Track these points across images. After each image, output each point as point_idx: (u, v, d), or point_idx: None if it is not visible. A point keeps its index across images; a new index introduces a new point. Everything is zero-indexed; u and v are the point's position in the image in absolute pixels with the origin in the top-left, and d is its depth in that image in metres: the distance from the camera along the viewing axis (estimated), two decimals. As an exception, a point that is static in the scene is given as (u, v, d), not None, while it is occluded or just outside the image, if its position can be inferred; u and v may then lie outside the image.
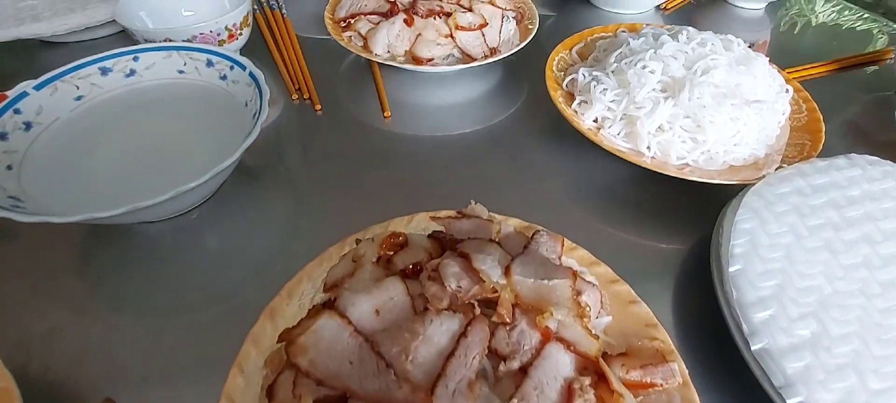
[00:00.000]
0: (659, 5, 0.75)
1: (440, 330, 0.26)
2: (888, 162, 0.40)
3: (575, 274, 0.29)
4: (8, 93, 0.48)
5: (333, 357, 0.25)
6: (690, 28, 0.50)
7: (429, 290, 0.28)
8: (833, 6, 0.82)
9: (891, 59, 0.67)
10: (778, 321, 0.30)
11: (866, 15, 0.80)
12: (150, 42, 0.50)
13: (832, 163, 0.40)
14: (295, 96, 0.55)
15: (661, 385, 0.28)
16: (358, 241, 0.34)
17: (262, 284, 0.37)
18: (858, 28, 0.77)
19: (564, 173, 0.48)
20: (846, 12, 0.81)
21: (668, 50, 0.46)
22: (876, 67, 0.67)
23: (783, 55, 0.69)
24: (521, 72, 0.61)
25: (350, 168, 0.48)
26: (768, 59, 0.50)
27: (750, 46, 0.50)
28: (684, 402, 0.28)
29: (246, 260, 0.40)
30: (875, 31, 0.77)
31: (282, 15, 0.67)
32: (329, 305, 0.28)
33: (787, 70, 0.61)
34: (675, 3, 0.76)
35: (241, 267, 0.39)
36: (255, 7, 0.69)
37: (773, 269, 0.33)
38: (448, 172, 0.48)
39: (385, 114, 0.53)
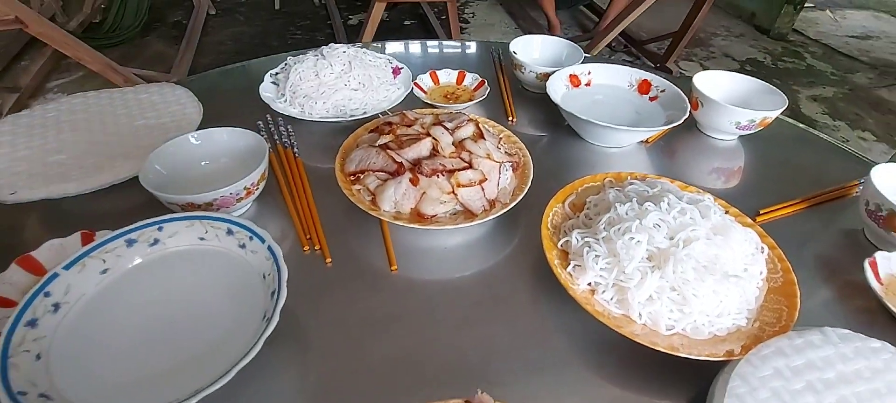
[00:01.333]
0: (640, 141, 0.81)
1: None
2: (858, 336, 0.44)
3: None
4: (35, 254, 0.51)
5: None
6: (671, 193, 0.55)
7: None
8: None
9: (856, 192, 0.73)
10: None
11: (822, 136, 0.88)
12: (173, 203, 0.54)
13: (808, 340, 0.43)
14: (306, 247, 0.59)
15: None
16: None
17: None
18: (811, 137, 0.85)
19: (563, 330, 0.52)
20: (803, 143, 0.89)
21: (652, 219, 0.50)
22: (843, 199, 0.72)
23: (756, 184, 0.75)
24: (517, 215, 0.64)
25: (358, 330, 0.50)
26: (746, 218, 0.55)
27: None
28: None
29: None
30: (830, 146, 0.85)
31: (294, 154, 0.72)
32: None
33: (761, 211, 0.67)
34: (654, 137, 0.83)
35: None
36: (269, 146, 0.74)
37: (761, 468, 0.35)
38: (452, 337, 0.50)
39: (392, 268, 0.56)
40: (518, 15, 3.57)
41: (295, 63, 0.81)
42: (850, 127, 2.66)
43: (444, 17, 3.32)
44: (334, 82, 0.78)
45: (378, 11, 2.27)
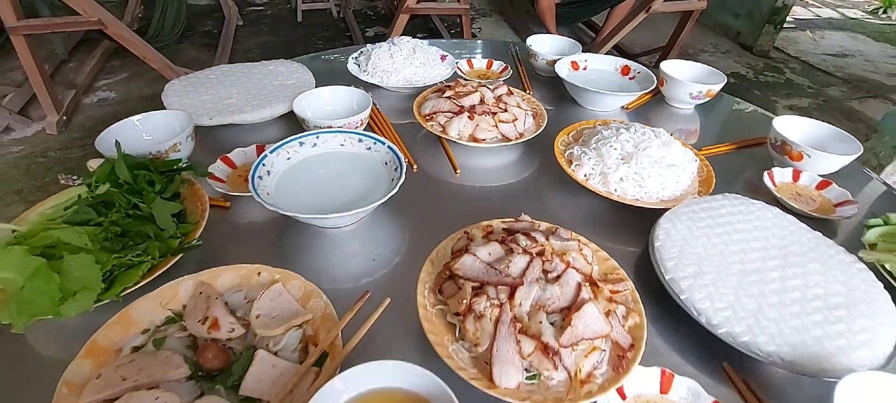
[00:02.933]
0: (623, 106, 1.12)
1: (519, 261, 0.57)
2: (746, 197, 0.74)
3: (579, 240, 0.60)
4: (230, 156, 0.81)
5: (472, 270, 0.56)
6: (637, 124, 0.85)
7: (512, 246, 0.59)
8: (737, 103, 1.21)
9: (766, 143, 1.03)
10: (678, 267, 0.62)
11: (752, 107, 1.18)
12: (318, 127, 0.84)
13: (714, 198, 0.73)
14: (398, 160, 0.88)
15: (622, 291, 0.59)
16: (466, 232, 0.65)
17: (398, 262, 0.68)
18: (749, 112, 1.15)
19: (567, 206, 0.81)
20: (739, 105, 1.19)
21: (624, 137, 0.81)
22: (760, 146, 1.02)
23: (705, 137, 1.05)
24: (536, 147, 0.95)
25: (439, 203, 0.80)
26: (682, 142, 0.85)
27: (677, 134, 0.86)
28: (634, 300, 0.58)
29: (386, 249, 0.71)
30: (760, 115, 1.15)
31: (377, 108, 1.03)
32: (465, 251, 0.59)
33: (705, 147, 0.97)
34: (634, 104, 1.14)
35: (383, 253, 0.70)
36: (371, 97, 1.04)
37: (677, 244, 0.65)
38: (499, 207, 0.80)
39: (456, 172, 0.86)
40: (521, 30, 3.91)
41: (374, 49, 1.12)
42: (820, 131, 2.94)
43: (453, 31, 3.68)
44: (404, 61, 1.09)
45: (402, 21, 2.61)
